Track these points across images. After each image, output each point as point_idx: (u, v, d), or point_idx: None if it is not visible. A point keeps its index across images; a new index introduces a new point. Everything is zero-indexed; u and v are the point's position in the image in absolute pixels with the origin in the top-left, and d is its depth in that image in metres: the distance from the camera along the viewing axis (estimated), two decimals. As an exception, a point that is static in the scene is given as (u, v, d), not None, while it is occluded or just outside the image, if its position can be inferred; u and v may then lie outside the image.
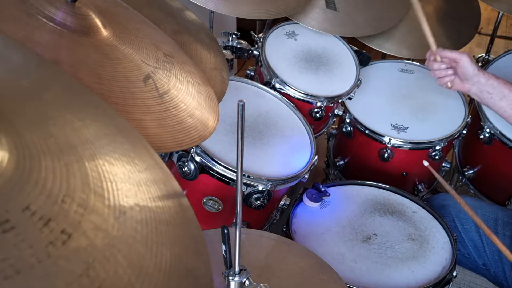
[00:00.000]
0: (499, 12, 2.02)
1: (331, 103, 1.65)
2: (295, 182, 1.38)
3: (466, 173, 1.86)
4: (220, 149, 1.31)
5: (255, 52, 1.72)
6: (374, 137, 1.66)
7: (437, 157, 1.66)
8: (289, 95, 1.60)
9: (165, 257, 0.53)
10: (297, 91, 1.60)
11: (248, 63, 1.92)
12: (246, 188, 1.30)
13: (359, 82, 1.70)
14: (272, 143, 1.43)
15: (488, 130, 1.69)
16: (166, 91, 0.91)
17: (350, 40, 1.82)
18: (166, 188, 0.62)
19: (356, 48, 1.80)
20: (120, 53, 0.89)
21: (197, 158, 1.27)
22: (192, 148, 1.27)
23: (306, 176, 1.40)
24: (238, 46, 1.72)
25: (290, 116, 1.56)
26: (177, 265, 0.54)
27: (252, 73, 1.76)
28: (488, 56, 2.05)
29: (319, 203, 1.38)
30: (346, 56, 1.78)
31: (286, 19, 1.75)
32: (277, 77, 1.60)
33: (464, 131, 1.72)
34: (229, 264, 0.83)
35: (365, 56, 1.79)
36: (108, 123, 0.64)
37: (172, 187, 0.63)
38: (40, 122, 0.56)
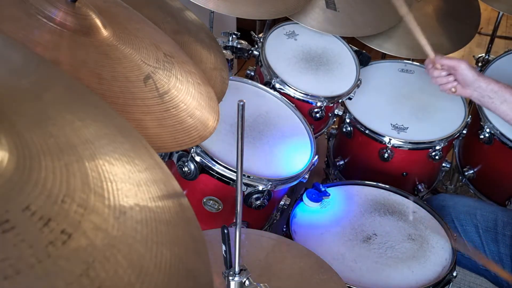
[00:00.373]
0: (499, 12, 2.02)
1: (331, 103, 1.65)
2: (295, 182, 1.38)
3: (466, 173, 1.86)
4: (220, 149, 1.31)
5: (255, 52, 1.72)
6: (374, 137, 1.66)
7: (437, 157, 1.66)
8: (289, 95, 1.60)
9: (165, 257, 0.53)
10: (297, 91, 1.60)
11: (248, 63, 1.92)
12: (246, 188, 1.30)
13: (359, 82, 1.70)
14: (272, 143, 1.43)
15: (488, 130, 1.69)
16: (166, 91, 0.91)
17: (350, 40, 1.82)
18: (166, 188, 0.62)
19: (356, 48, 1.80)
20: (120, 53, 0.89)
21: (197, 158, 1.27)
22: (192, 148, 1.27)
23: (306, 176, 1.40)
24: (238, 46, 1.72)
25: (290, 116, 1.56)
26: (177, 265, 0.54)
27: (252, 73, 1.76)
28: (488, 56, 2.05)
29: (319, 203, 1.38)
30: (346, 56, 1.78)
31: (286, 19, 1.75)
32: (277, 77, 1.60)
33: (464, 131, 1.72)
34: (229, 264, 0.83)
35: (365, 56, 1.79)
36: (108, 123, 0.64)
37: (172, 187, 0.63)
38: (40, 122, 0.56)
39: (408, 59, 1.91)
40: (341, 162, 1.85)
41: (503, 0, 1.93)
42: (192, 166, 1.28)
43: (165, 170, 0.64)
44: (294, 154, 1.44)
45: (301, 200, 1.39)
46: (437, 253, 1.28)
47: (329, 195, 1.40)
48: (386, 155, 1.65)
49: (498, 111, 1.41)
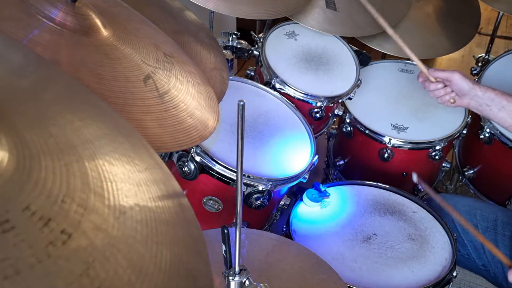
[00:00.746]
0: (499, 12, 2.02)
1: (331, 103, 1.65)
2: (295, 182, 1.38)
3: (466, 173, 1.86)
4: (220, 149, 1.31)
5: (255, 52, 1.72)
6: (374, 137, 1.66)
7: (437, 157, 1.66)
8: (289, 95, 1.60)
9: (165, 257, 0.53)
10: (297, 91, 1.60)
11: (248, 63, 1.92)
12: (246, 188, 1.30)
13: (359, 82, 1.70)
14: (272, 143, 1.43)
15: (488, 130, 1.69)
16: (166, 91, 0.91)
17: (350, 40, 1.82)
18: (166, 188, 0.62)
19: (356, 48, 1.80)
20: (120, 53, 0.89)
21: (197, 158, 1.27)
22: (192, 148, 1.27)
23: (306, 176, 1.40)
24: (238, 46, 1.72)
25: (290, 116, 1.56)
26: (177, 265, 0.54)
27: (252, 73, 1.76)
28: (488, 56, 2.05)
29: (319, 203, 1.38)
30: (346, 56, 1.78)
31: (286, 19, 1.75)
32: (277, 77, 1.60)
33: (464, 131, 1.72)
34: (229, 264, 0.83)
35: (365, 56, 1.79)
36: (108, 123, 0.64)
37: (172, 187, 0.63)
38: (40, 122, 0.56)
39: (408, 59, 1.91)
40: (341, 162, 1.85)
41: (503, 0, 1.93)
42: (192, 166, 1.28)
43: (165, 170, 0.65)
44: (294, 154, 1.44)
45: (301, 200, 1.39)
46: (437, 253, 1.28)
47: (329, 195, 1.40)
48: (386, 155, 1.65)
49: (497, 118, 1.43)
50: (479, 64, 2.03)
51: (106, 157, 0.58)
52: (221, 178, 1.28)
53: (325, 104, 1.62)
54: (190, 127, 0.92)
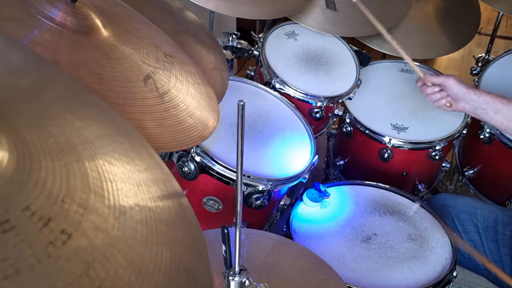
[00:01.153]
0: (499, 12, 2.02)
1: (331, 103, 1.65)
2: (295, 182, 1.38)
3: (466, 173, 1.86)
4: (220, 149, 1.31)
5: (255, 52, 1.72)
6: (374, 137, 1.66)
7: (437, 157, 1.66)
8: (289, 95, 1.60)
9: (165, 257, 0.53)
10: (297, 91, 1.60)
11: (248, 63, 1.92)
12: (246, 188, 1.30)
13: (359, 82, 1.70)
14: (272, 143, 1.43)
15: (488, 130, 1.69)
16: (166, 91, 0.91)
17: (350, 40, 1.82)
18: (166, 188, 0.62)
19: (356, 48, 1.80)
20: (120, 53, 0.89)
21: (197, 158, 1.27)
22: (192, 148, 1.27)
23: (306, 176, 1.40)
24: (238, 46, 1.72)
25: (290, 116, 1.56)
26: (177, 265, 0.54)
27: (252, 73, 1.76)
28: (488, 56, 2.05)
29: (319, 203, 1.38)
30: (346, 56, 1.78)
31: (286, 19, 1.75)
32: (277, 77, 1.60)
33: (464, 131, 1.72)
34: (229, 264, 0.83)
35: (365, 56, 1.79)
36: (108, 123, 0.64)
37: (172, 187, 0.63)
38: (40, 122, 0.56)
39: (408, 59, 1.91)
40: (341, 162, 1.85)
41: (503, 0, 1.93)
42: (192, 166, 1.28)
43: (165, 170, 0.65)
44: (294, 154, 1.44)
45: (301, 200, 1.39)
46: (437, 253, 1.28)
47: (329, 195, 1.40)
48: (386, 155, 1.65)
49: (493, 121, 1.45)
50: (479, 64, 2.03)
51: (106, 157, 0.58)
52: (221, 178, 1.28)
53: (325, 104, 1.62)
54: (190, 127, 0.92)
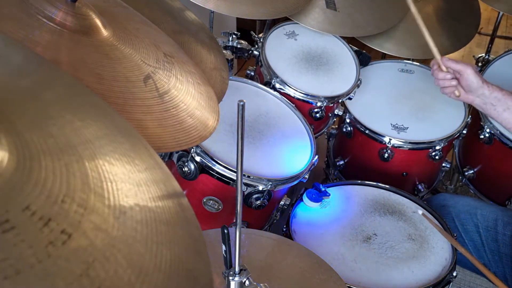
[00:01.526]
0: (499, 12, 2.02)
1: (331, 103, 1.65)
2: (295, 182, 1.38)
3: (466, 173, 1.86)
4: (220, 149, 1.31)
5: (255, 52, 1.72)
6: (374, 137, 1.66)
7: (437, 157, 1.66)
8: (289, 95, 1.60)
9: (165, 257, 0.53)
10: (297, 91, 1.60)
11: (248, 63, 1.92)
12: (246, 188, 1.30)
13: (359, 82, 1.70)
14: (272, 143, 1.43)
15: (488, 130, 1.69)
16: (166, 91, 0.91)
17: (350, 40, 1.82)
18: (166, 188, 0.62)
19: (356, 48, 1.80)
20: (120, 53, 0.89)
21: (197, 158, 1.27)
22: (192, 148, 1.27)
23: (306, 176, 1.40)
24: (238, 46, 1.72)
25: (290, 116, 1.56)
26: (177, 265, 0.54)
27: (252, 73, 1.76)
28: (488, 56, 2.06)
29: (319, 203, 1.38)
30: (346, 56, 1.78)
31: (286, 19, 1.75)
32: (277, 77, 1.60)
33: (464, 131, 1.72)
34: (229, 264, 0.83)
35: (365, 56, 1.79)
36: (108, 123, 0.64)
37: (172, 187, 0.63)
38: (40, 122, 0.56)
39: (408, 59, 1.91)
40: (341, 162, 1.85)
41: (503, 0, 1.93)
42: (192, 166, 1.28)
43: (165, 170, 0.65)
44: (294, 154, 1.44)
45: (301, 200, 1.39)
46: (437, 253, 1.28)
47: (329, 195, 1.40)
48: (386, 155, 1.65)
49: (500, 118, 1.42)
50: (479, 64, 2.03)
51: (106, 157, 0.58)
52: (221, 178, 1.28)
53: (325, 104, 1.62)
54: (190, 127, 0.92)
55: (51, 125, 0.56)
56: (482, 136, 1.70)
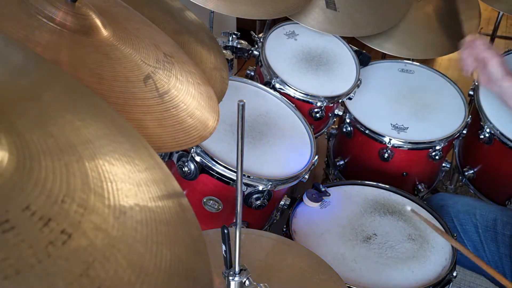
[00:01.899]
0: (499, 12, 2.02)
1: (331, 103, 1.65)
2: (295, 182, 1.38)
3: (466, 173, 1.86)
4: (220, 149, 1.31)
5: (255, 52, 1.72)
6: (374, 137, 1.66)
7: (437, 157, 1.66)
8: (289, 95, 1.60)
9: (165, 257, 0.53)
10: (297, 91, 1.60)
11: (248, 63, 1.92)
12: (246, 188, 1.30)
13: (359, 82, 1.70)
14: (272, 143, 1.43)
15: (488, 130, 1.69)
16: (166, 91, 0.91)
17: (350, 40, 1.82)
18: (166, 188, 0.62)
19: (356, 48, 1.80)
20: (120, 53, 0.89)
21: (197, 158, 1.27)
22: (192, 148, 1.27)
23: (306, 176, 1.40)
24: (238, 46, 1.72)
25: (290, 116, 1.56)
26: (177, 265, 0.54)
27: (252, 73, 1.76)
28: (488, 56, 2.05)
29: (319, 203, 1.38)
30: (346, 56, 1.78)
31: (286, 19, 1.75)
32: (277, 77, 1.60)
33: (464, 131, 1.72)
34: (229, 264, 0.83)
35: (365, 56, 1.79)
36: (108, 123, 0.64)
37: (172, 187, 0.63)
38: (40, 122, 0.56)
39: (408, 59, 1.91)
40: (341, 162, 1.85)
41: (503, 0, 1.93)
42: (192, 166, 1.28)
43: (165, 170, 0.65)
44: (294, 154, 1.44)
45: (301, 200, 1.39)
46: (437, 253, 1.28)
47: (329, 195, 1.40)
48: (386, 155, 1.65)
49: None
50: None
51: (106, 157, 0.58)
52: (221, 178, 1.28)
53: (325, 104, 1.62)
54: (190, 127, 0.92)
55: (51, 125, 0.56)
56: (482, 136, 1.70)
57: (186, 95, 0.95)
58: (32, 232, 0.45)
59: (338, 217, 1.35)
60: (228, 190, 1.31)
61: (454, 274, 1.24)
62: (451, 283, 1.24)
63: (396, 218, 1.37)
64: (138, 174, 0.59)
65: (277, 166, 1.37)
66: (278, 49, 1.71)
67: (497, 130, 1.67)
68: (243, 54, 1.74)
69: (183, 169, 1.28)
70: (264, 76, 1.65)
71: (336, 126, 1.91)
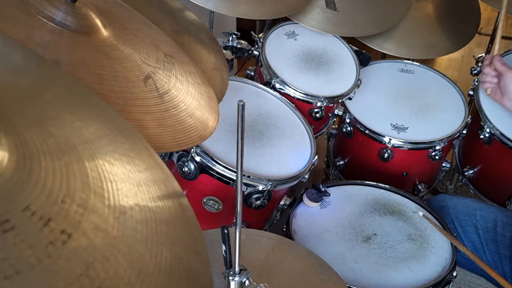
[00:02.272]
0: (499, 12, 2.02)
1: (331, 103, 1.65)
2: (295, 182, 1.38)
3: (466, 173, 1.86)
4: (220, 149, 1.31)
5: (255, 52, 1.72)
6: (374, 137, 1.66)
7: (437, 157, 1.66)
8: (289, 95, 1.60)
9: (165, 257, 0.53)
10: (297, 91, 1.60)
11: (248, 63, 1.92)
12: (246, 188, 1.30)
13: (359, 82, 1.70)
14: (272, 143, 1.43)
15: (488, 130, 1.69)
16: (166, 91, 0.91)
17: (350, 40, 1.82)
18: (166, 188, 0.62)
19: (356, 48, 1.80)
20: (120, 53, 0.89)
21: (197, 158, 1.27)
22: (192, 148, 1.27)
23: (306, 176, 1.40)
24: (238, 46, 1.72)
25: (290, 116, 1.56)
26: (177, 265, 0.54)
27: (252, 73, 1.76)
28: (488, 56, 2.05)
29: (319, 203, 1.38)
30: (346, 56, 1.78)
31: (286, 19, 1.75)
32: (277, 77, 1.60)
33: (464, 131, 1.72)
34: (229, 264, 0.83)
35: (365, 56, 1.79)
36: (108, 123, 0.64)
37: (172, 187, 0.63)
38: (40, 122, 0.56)
39: (408, 59, 1.91)
40: (341, 162, 1.85)
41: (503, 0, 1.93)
42: (192, 166, 1.28)
43: (165, 170, 0.64)
44: (294, 154, 1.44)
45: (301, 200, 1.39)
46: (437, 253, 1.28)
47: (329, 195, 1.40)
48: (386, 155, 1.65)
49: None
50: (479, 64, 2.03)
51: (106, 157, 0.58)
52: (221, 178, 1.28)
53: (325, 104, 1.62)
54: (190, 127, 0.92)
55: (51, 125, 0.56)
56: (482, 136, 1.70)
57: (186, 95, 0.95)
58: (32, 232, 0.45)
59: (338, 217, 1.35)
60: (228, 190, 1.31)
61: (454, 274, 1.24)
62: (451, 283, 1.24)
63: (396, 218, 1.37)
64: (138, 174, 0.59)
65: (277, 166, 1.37)
66: (278, 49, 1.71)
67: (497, 130, 1.67)
68: (243, 54, 1.74)
69: (183, 169, 1.28)
70: (264, 76, 1.65)
71: (336, 126, 1.91)
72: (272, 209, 1.49)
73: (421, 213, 1.36)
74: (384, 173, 1.69)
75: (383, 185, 1.47)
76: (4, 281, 0.40)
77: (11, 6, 0.79)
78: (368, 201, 1.42)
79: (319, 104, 1.62)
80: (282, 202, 1.46)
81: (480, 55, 2.09)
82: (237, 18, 2.42)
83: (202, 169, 1.28)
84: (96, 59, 0.84)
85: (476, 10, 2.00)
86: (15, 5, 0.80)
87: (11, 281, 0.40)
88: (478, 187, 1.86)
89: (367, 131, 1.67)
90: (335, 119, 1.82)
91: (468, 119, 1.72)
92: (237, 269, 0.82)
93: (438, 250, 1.29)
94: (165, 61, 0.97)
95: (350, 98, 1.69)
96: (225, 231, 0.80)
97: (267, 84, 1.61)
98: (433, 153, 1.66)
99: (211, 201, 1.34)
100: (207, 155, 1.27)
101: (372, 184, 1.48)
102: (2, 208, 0.44)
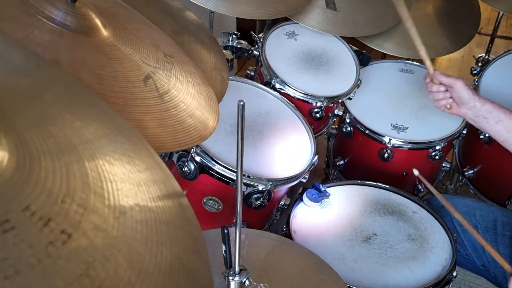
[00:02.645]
0: (499, 12, 2.02)
1: (331, 103, 1.65)
2: (295, 182, 1.38)
3: (466, 173, 1.86)
4: (220, 149, 1.31)
5: (255, 52, 1.72)
6: (374, 137, 1.66)
7: (437, 157, 1.66)
8: (289, 95, 1.60)
9: (165, 257, 0.53)
10: (297, 91, 1.60)
11: (248, 63, 1.92)
12: (246, 188, 1.30)
13: (359, 82, 1.70)
14: (272, 143, 1.43)
15: (488, 130, 1.68)
16: (166, 91, 0.91)
17: (350, 40, 1.82)
18: (166, 188, 0.62)
19: (356, 48, 1.81)
20: (120, 53, 0.89)
21: (197, 158, 1.27)
22: (192, 148, 1.27)
23: (306, 176, 1.40)
24: (238, 46, 1.72)
25: (290, 116, 1.56)
26: (177, 265, 0.54)
27: (252, 73, 1.76)
28: (488, 56, 2.05)
29: (319, 203, 1.38)
30: (346, 56, 1.78)
31: (286, 19, 1.75)
32: (277, 77, 1.60)
33: (464, 131, 1.72)
34: (229, 264, 0.83)
35: (365, 56, 1.79)
36: (108, 123, 0.64)
37: (172, 187, 0.63)
38: (40, 122, 0.56)
39: (408, 59, 1.91)
40: (341, 162, 1.85)
41: (503, 0, 1.93)
42: (192, 166, 1.28)
43: (165, 170, 0.64)
44: (294, 154, 1.44)
45: (301, 200, 1.39)
46: (437, 253, 1.28)
47: (329, 195, 1.40)
48: (386, 155, 1.65)
49: (493, 131, 1.41)
50: (479, 64, 2.03)
51: (106, 157, 0.57)
52: (221, 178, 1.28)
53: (325, 104, 1.62)
54: (190, 127, 0.92)
55: (51, 125, 0.56)
56: (482, 136, 1.70)
57: (186, 95, 0.95)
58: (32, 232, 0.45)
59: (338, 217, 1.35)
60: (228, 190, 1.31)
61: (454, 274, 1.24)
62: (451, 283, 1.24)
63: (396, 218, 1.37)
64: (138, 174, 0.59)
65: (277, 166, 1.38)
66: (278, 49, 1.71)
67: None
68: (243, 54, 1.74)
69: (183, 169, 1.28)
70: (264, 76, 1.65)
71: (336, 126, 1.91)
72: (272, 209, 1.49)
73: (416, 172, 1.33)
74: (384, 173, 1.69)
75: (383, 185, 1.47)
76: (4, 281, 0.40)
77: (11, 6, 0.79)
78: (368, 201, 1.42)
79: (319, 104, 1.62)
80: (282, 202, 1.46)
81: (480, 55, 2.09)
82: (237, 18, 2.42)
83: (202, 169, 1.28)
84: (96, 59, 0.84)
85: (476, 10, 2.00)
86: (15, 5, 0.80)
87: (11, 281, 0.40)
88: (478, 187, 1.87)
89: (367, 131, 1.67)
90: (335, 119, 1.82)
91: (468, 119, 1.72)
92: (237, 269, 0.82)
93: (438, 250, 1.29)
94: (165, 61, 0.97)
95: (350, 98, 1.69)
96: (225, 231, 0.80)
97: (267, 84, 1.61)
98: (433, 153, 1.66)
99: (211, 201, 1.34)
100: (207, 155, 1.27)
101: (372, 184, 1.48)
102: (2, 208, 0.44)
